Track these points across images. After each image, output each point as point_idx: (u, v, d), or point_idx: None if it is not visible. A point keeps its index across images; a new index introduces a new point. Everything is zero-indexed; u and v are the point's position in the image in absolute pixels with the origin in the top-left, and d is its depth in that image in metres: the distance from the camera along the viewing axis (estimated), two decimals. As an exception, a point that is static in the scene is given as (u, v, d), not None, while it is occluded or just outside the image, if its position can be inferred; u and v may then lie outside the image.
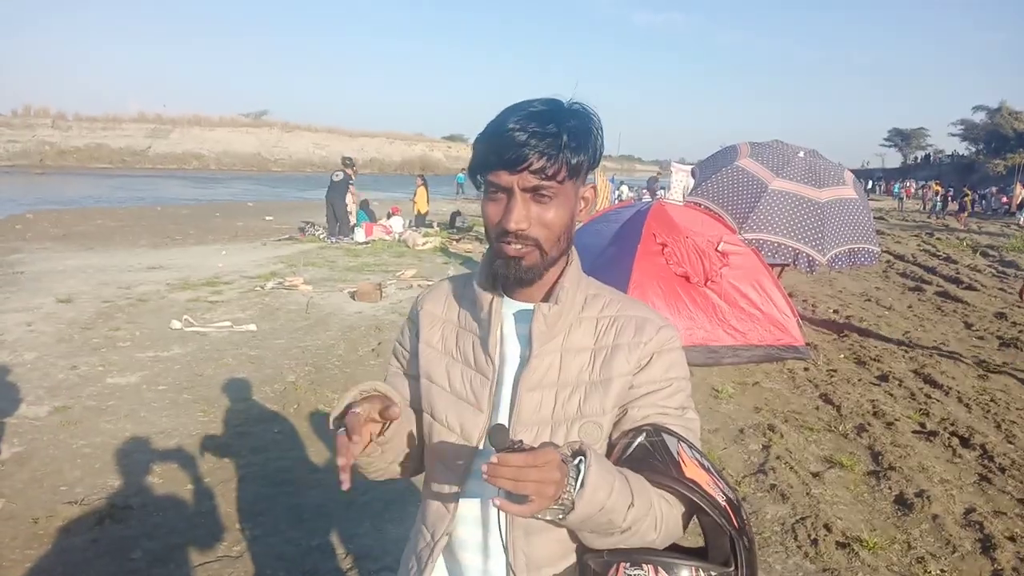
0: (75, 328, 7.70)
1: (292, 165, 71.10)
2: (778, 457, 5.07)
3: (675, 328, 1.36)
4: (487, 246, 1.36)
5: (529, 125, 1.16)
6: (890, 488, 4.71)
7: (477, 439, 1.31)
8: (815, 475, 4.87)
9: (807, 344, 7.65)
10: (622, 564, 1.22)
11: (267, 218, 21.50)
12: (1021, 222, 27.34)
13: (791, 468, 4.91)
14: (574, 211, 1.27)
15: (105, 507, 4.00)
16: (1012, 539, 4.09)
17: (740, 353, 7.19)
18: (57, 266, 11.66)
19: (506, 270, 1.26)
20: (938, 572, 3.76)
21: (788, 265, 8.44)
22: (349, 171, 16.37)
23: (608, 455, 1.29)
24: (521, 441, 1.09)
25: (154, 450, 4.80)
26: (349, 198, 16.33)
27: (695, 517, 1.25)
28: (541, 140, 1.16)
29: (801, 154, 8.44)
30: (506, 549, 1.27)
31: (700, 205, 8.42)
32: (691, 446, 1.26)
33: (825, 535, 4.05)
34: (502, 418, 1.30)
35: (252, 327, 7.89)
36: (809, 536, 4.05)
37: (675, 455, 1.22)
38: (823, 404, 6.31)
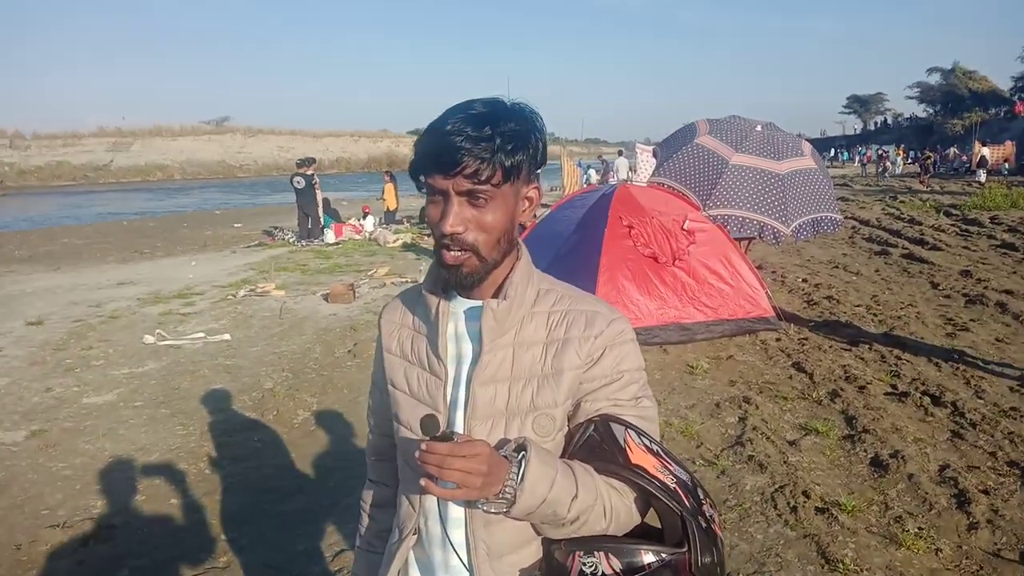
0: (47, 350, 7.62)
1: (257, 170, 70.30)
2: (755, 428, 5.16)
3: (627, 320, 1.39)
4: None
5: (464, 128, 1.18)
6: (865, 451, 4.82)
7: None
8: (791, 443, 4.96)
9: (777, 315, 7.76)
10: (577, 553, 1.27)
11: (236, 225, 21.30)
12: (981, 179, 27.78)
13: (768, 438, 5.00)
14: (514, 212, 1.29)
15: (89, 528, 3.99)
16: (986, 492, 4.21)
17: (713, 328, 7.28)
18: (25, 288, 11.49)
19: (447, 276, 1.29)
20: (916, 530, 3.85)
21: (754, 238, 8.55)
22: (309, 170, 16.23)
23: (564, 447, 1.33)
24: (452, 432, 1.17)
25: (135, 467, 4.78)
26: (319, 199, 16.23)
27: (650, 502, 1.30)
28: (475, 144, 1.17)
29: (759, 128, 8.53)
30: (467, 540, 1.32)
31: (664, 185, 8.49)
32: (640, 432, 1.29)
33: (804, 502, 4.13)
34: (459, 415, 1.34)
35: (226, 336, 7.86)
36: (788, 504, 4.14)
37: (621, 443, 1.26)
38: (796, 373, 6.42)
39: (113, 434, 5.32)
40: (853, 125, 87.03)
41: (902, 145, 44.53)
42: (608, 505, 1.25)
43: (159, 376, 6.65)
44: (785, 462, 4.66)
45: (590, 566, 1.25)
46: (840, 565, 3.54)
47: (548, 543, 1.33)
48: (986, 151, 31.16)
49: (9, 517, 4.15)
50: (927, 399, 5.66)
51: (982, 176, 28.41)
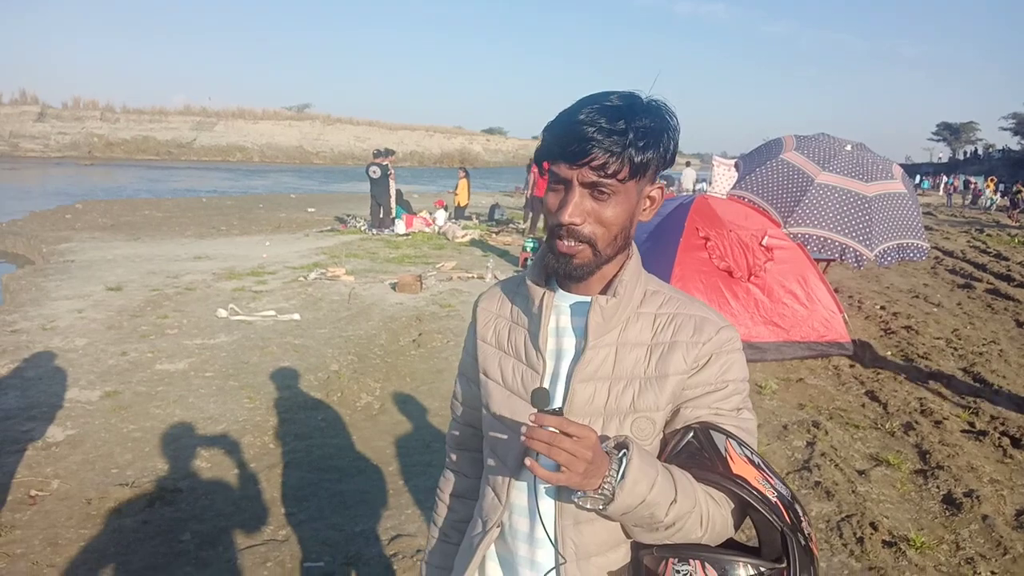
0: (124, 315, 7.88)
1: (333, 158, 71.84)
2: (823, 454, 5.00)
3: (735, 329, 1.34)
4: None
5: (598, 120, 1.15)
6: (938, 487, 4.62)
7: None
8: (861, 473, 4.79)
9: (853, 341, 7.52)
10: (670, 560, 1.22)
11: (309, 210, 21.75)
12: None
13: (836, 465, 4.84)
14: (635, 210, 1.26)
15: (155, 490, 4.10)
16: (1067, 542, 3.99)
17: (784, 350, 7.09)
18: (107, 255, 11.94)
19: (556, 264, 1.26)
20: (988, 574, 3.68)
21: (834, 260, 8.30)
22: (386, 161, 16.44)
23: (659, 453, 1.29)
24: (561, 409, 1.13)
25: (202, 435, 4.90)
26: (392, 189, 16.44)
27: (748, 515, 1.25)
28: (607, 136, 1.14)
29: (848, 147, 8.28)
30: (556, 538, 1.28)
31: (744, 199, 8.31)
32: (741, 443, 1.24)
33: (871, 533, 3.98)
34: None
35: (296, 316, 8.01)
36: (855, 534, 3.99)
37: (722, 452, 1.22)
38: (869, 401, 6.20)
39: (183, 401, 5.46)
40: (939, 154, 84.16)
41: (992, 177, 42.71)
42: (705, 513, 1.20)
43: (230, 349, 6.81)
44: (853, 491, 4.50)
45: (684, 574, 1.21)
46: (907, 604, 3.40)
47: (638, 548, 1.29)
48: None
49: (80, 472, 4.30)
50: (1006, 440, 5.40)
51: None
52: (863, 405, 6.11)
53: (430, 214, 17.57)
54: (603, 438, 1.23)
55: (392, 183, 16.44)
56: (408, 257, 12.85)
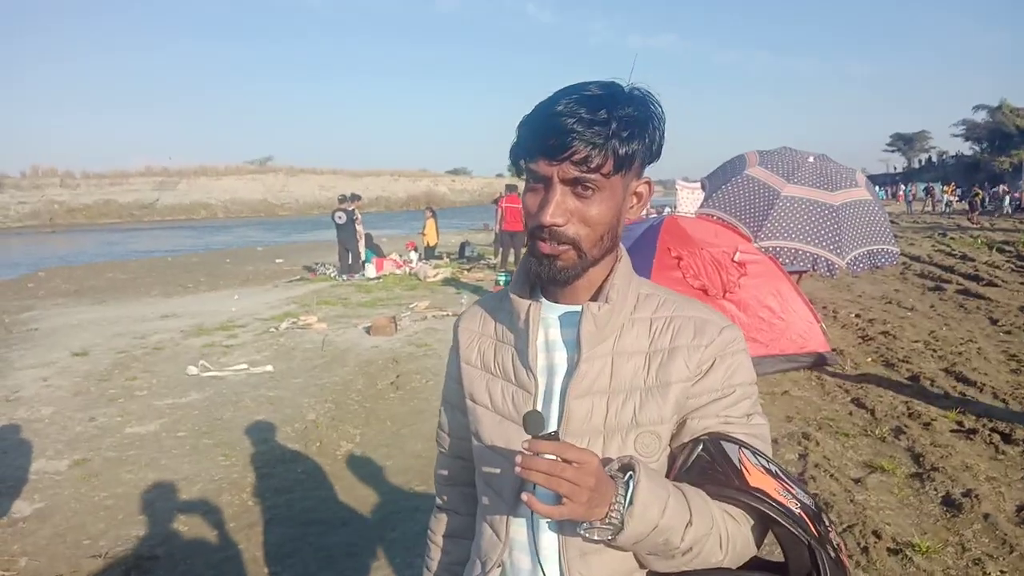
0: (91, 380, 7.63)
1: (299, 209, 71.53)
2: (816, 465, 4.91)
3: (738, 329, 1.24)
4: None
5: (578, 110, 1.05)
6: (935, 489, 4.55)
7: None
8: (857, 481, 4.71)
9: (833, 350, 7.49)
10: None
11: (277, 261, 21.53)
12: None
13: (831, 476, 4.76)
14: (621, 208, 1.16)
15: (131, 558, 3.90)
16: (1071, 535, 3.92)
17: (765, 364, 7.04)
18: (71, 320, 11.64)
19: (539, 268, 1.15)
20: (997, 573, 3.59)
21: (807, 271, 8.31)
22: (352, 206, 16.36)
23: (668, 470, 1.19)
24: (557, 433, 1.02)
25: (177, 498, 4.69)
26: (360, 234, 16.34)
27: (770, 530, 1.14)
28: (588, 127, 1.05)
29: (811, 159, 8.34)
30: (561, 573, 1.16)
31: (713, 216, 8.32)
32: (755, 452, 1.14)
33: (875, 542, 3.89)
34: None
35: (269, 368, 7.82)
36: (859, 544, 3.90)
37: (736, 464, 1.11)
38: (856, 409, 6.15)
39: (155, 464, 5.25)
40: (894, 164, 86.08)
41: (951, 183, 43.69)
42: (725, 534, 1.09)
43: (202, 407, 6.60)
44: (852, 500, 4.41)
45: None
46: (919, 612, 3.30)
47: None
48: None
49: (51, 547, 4.08)
50: (997, 436, 5.36)
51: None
52: (850, 413, 6.06)
53: (400, 256, 17.47)
54: (605, 460, 1.12)
55: (359, 227, 16.33)
56: (381, 300, 12.70)
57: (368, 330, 9.57)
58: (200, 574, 3.75)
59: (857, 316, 9.92)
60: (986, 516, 4.16)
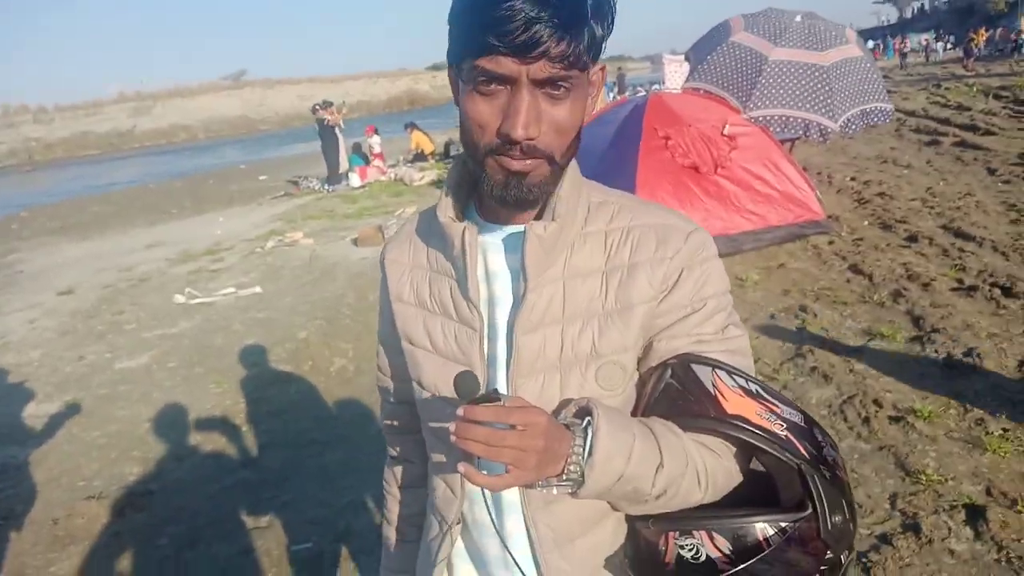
0: (78, 318, 7.52)
1: (279, 121, 69.84)
2: (814, 337, 4.83)
3: (706, 232, 1.05)
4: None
5: None
6: (936, 352, 4.47)
7: None
8: (856, 350, 4.63)
9: (828, 216, 7.31)
10: (670, 535, 0.98)
11: (261, 178, 21.08)
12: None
13: (829, 347, 4.68)
14: (587, 104, 0.96)
15: (125, 497, 3.86)
16: (1075, 386, 3.85)
17: (761, 236, 6.87)
18: (56, 260, 11.45)
19: (503, 191, 0.94)
20: (1000, 431, 3.54)
21: (799, 138, 8.04)
22: (325, 113, 15.85)
23: (637, 401, 1.04)
24: (497, 391, 0.86)
25: (171, 430, 4.63)
26: (341, 143, 15.90)
27: (755, 458, 1.01)
28: (559, 10, 0.83)
29: (798, 18, 7.92)
30: (526, 528, 1.04)
31: (699, 90, 7.98)
32: (731, 371, 0.98)
33: (876, 411, 3.84)
34: (500, 372, 1.03)
35: (257, 289, 7.68)
36: (859, 415, 3.84)
37: (710, 389, 0.96)
38: (854, 276, 6.02)
39: (147, 398, 5.18)
40: (885, 16, 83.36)
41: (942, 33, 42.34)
42: (702, 470, 0.95)
43: (192, 335, 6.50)
44: (851, 371, 4.35)
45: (690, 549, 0.97)
46: (922, 476, 3.27)
47: (634, 517, 1.04)
48: (1034, 27, 29.30)
49: (45, 491, 4.03)
50: (997, 291, 5.25)
51: (1030, 54, 26.78)
52: (848, 281, 5.93)
53: (384, 161, 17.06)
54: (562, 404, 0.98)
55: (340, 136, 15.87)
56: (367, 209, 12.44)
57: (355, 242, 9.38)
58: (195, 507, 3.71)
59: (852, 179, 9.68)
60: (988, 375, 4.08)
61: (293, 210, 13.39)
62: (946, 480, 3.24)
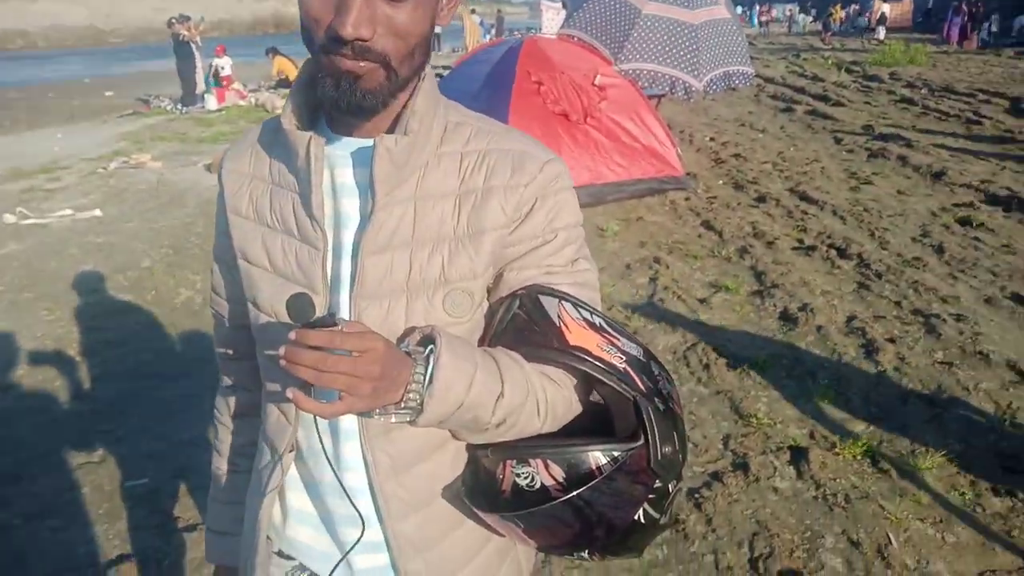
0: None
1: (131, 35, 64.46)
2: (665, 288, 5.03)
3: (563, 162, 1.03)
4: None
5: None
6: (774, 305, 4.77)
7: None
8: (702, 301, 4.86)
9: (687, 173, 7.59)
10: (508, 463, 0.98)
11: (107, 94, 19.45)
12: (880, 36, 27.98)
13: (679, 297, 4.89)
14: (436, 12, 0.91)
15: (-64, 430, 3.53)
16: (892, 340, 4.22)
17: (624, 188, 7.05)
18: None
19: (335, 94, 0.88)
20: (826, 381, 3.83)
21: (665, 95, 8.24)
22: (182, 28, 14.79)
23: (485, 329, 1.02)
24: (333, 315, 0.82)
25: (-7, 359, 4.27)
26: (198, 62, 14.89)
27: (595, 389, 1.02)
28: None
29: (672, -26, 8.05)
30: (363, 455, 1.00)
31: (573, 37, 7.99)
32: (577, 304, 0.98)
33: (716, 359, 4.06)
34: (343, 295, 0.98)
35: (97, 212, 7.13)
36: (701, 361, 4.05)
37: (556, 320, 0.96)
38: (705, 231, 6.31)
39: (-33, 324, 4.74)
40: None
41: (790, 4, 44.40)
42: (543, 399, 0.95)
43: (22, 258, 5.97)
44: (696, 320, 4.57)
45: (525, 477, 0.97)
46: (753, 420, 3.50)
47: (474, 446, 1.04)
48: (886, 8, 31.19)
49: None
50: (833, 251, 5.65)
51: (881, 33, 28.54)
52: (700, 236, 6.21)
53: (244, 85, 16.14)
54: (407, 332, 0.94)
55: (198, 55, 14.85)
56: (223, 134, 11.75)
57: (208, 167, 8.85)
58: (21, 440, 3.45)
59: (712, 139, 10.08)
60: (819, 328, 4.40)
61: (142, 130, 12.46)
62: (775, 424, 3.49)
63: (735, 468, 3.16)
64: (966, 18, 24.93)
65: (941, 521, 2.83)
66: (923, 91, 13.85)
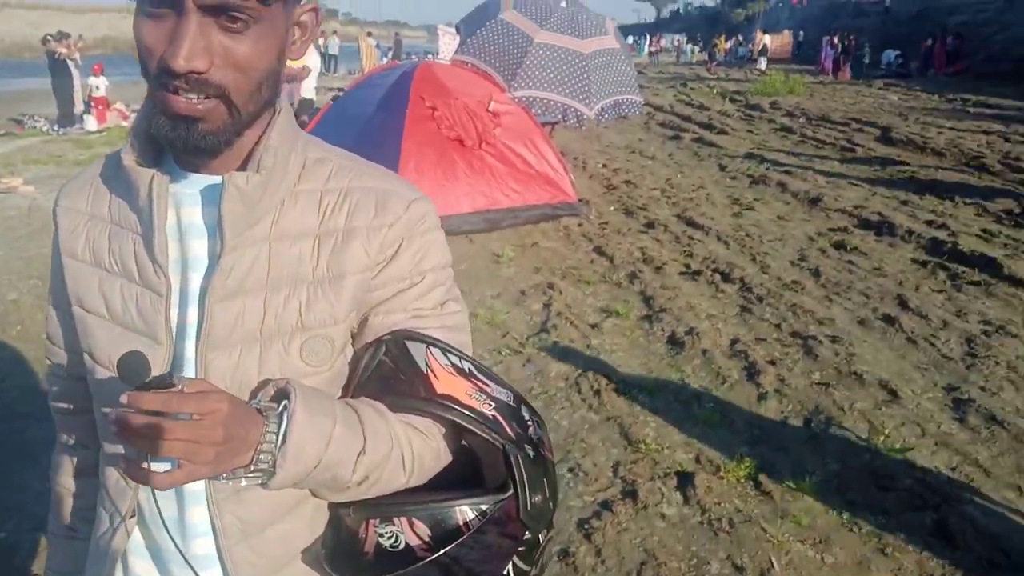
0: None
1: (5, 50, 61.04)
2: (559, 313, 5.08)
3: (429, 201, 1.00)
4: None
5: None
6: (662, 329, 4.88)
7: None
8: (593, 326, 4.94)
9: (580, 200, 7.73)
10: (371, 521, 0.93)
11: (-24, 113, 18.32)
12: (762, 67, 29.42)
13: (571, 323, 4.95)
14: (284, 46, 0.86)
15: None
16: (772, 363, 4.39)
17: (519, 214, 7.11)
18: None
19: (172, 134, 0.82)
20: (711, 405, 3.94)
21: (558, 122, 8.39)
22: (59, 46, 14.10)
23: (350, 377, 0.97)
24: (171, 376, 0.76)
25: None
26: (76, 80, 14.19)
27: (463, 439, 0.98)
28: None
29: (563, 4, 8.23)
30: (211, 519, 0.93)
31: (467, 64, 8.04)
32: (446, 349, 0.95)
33: (606, 384, 4.11)
34: (189, 345, 0.91)
35: (-41, 241, 6.65)
36: (592, 387, 4.09)
37: (422, 367, 0.92)
38: (597, 257, 6.43)
39: None
40: (645, 15, 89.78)
41: (689, 35, 46.43)
42: (408, 453, 0.91)
43: None
44: (588, 346, 4.63)
45: (390, 536, 0.92)
46: (642, 445, 3.55)
47: (335, 504, 0.98)
48: (767, 39, 32.80)
49: None
50: (718, 276, 5.86)
51: (763, 64, 30.01)
52: (592, 261, 6.32)
53: (127, 105, 15.48)
54: (260, 385, 0.88)
55: (76, 73, 14.15)
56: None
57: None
58: None
59: (604, 166, 10.32)
60: (704, 352, 4.53)
61: (13, 152, 11.73)
62: (662, 449, 3.55)
63: (624, 496, 3.19)
64: (839, 51, 26.59)
65: (820, 542, 2.93)
66: (801, 120, 14.63)
